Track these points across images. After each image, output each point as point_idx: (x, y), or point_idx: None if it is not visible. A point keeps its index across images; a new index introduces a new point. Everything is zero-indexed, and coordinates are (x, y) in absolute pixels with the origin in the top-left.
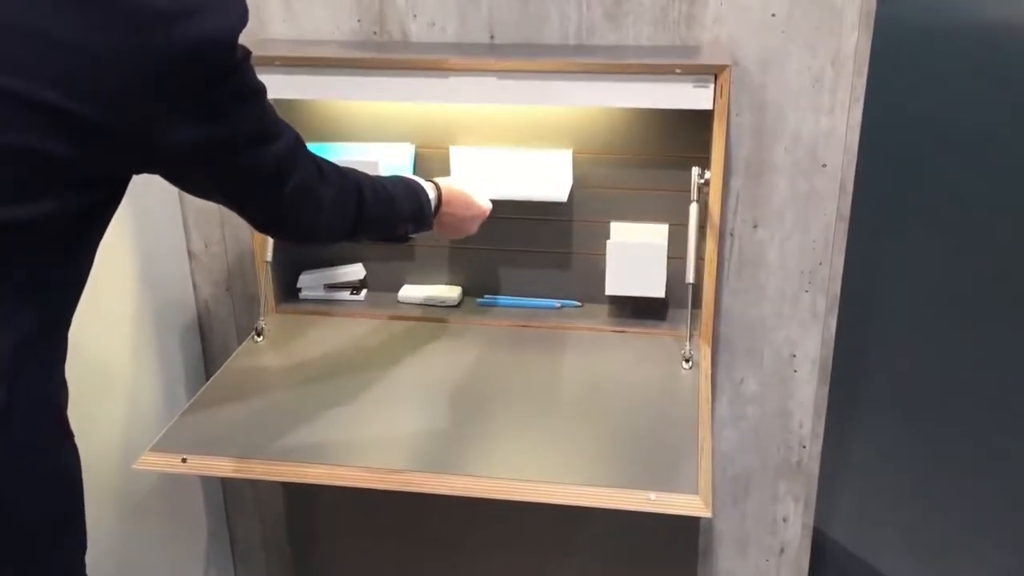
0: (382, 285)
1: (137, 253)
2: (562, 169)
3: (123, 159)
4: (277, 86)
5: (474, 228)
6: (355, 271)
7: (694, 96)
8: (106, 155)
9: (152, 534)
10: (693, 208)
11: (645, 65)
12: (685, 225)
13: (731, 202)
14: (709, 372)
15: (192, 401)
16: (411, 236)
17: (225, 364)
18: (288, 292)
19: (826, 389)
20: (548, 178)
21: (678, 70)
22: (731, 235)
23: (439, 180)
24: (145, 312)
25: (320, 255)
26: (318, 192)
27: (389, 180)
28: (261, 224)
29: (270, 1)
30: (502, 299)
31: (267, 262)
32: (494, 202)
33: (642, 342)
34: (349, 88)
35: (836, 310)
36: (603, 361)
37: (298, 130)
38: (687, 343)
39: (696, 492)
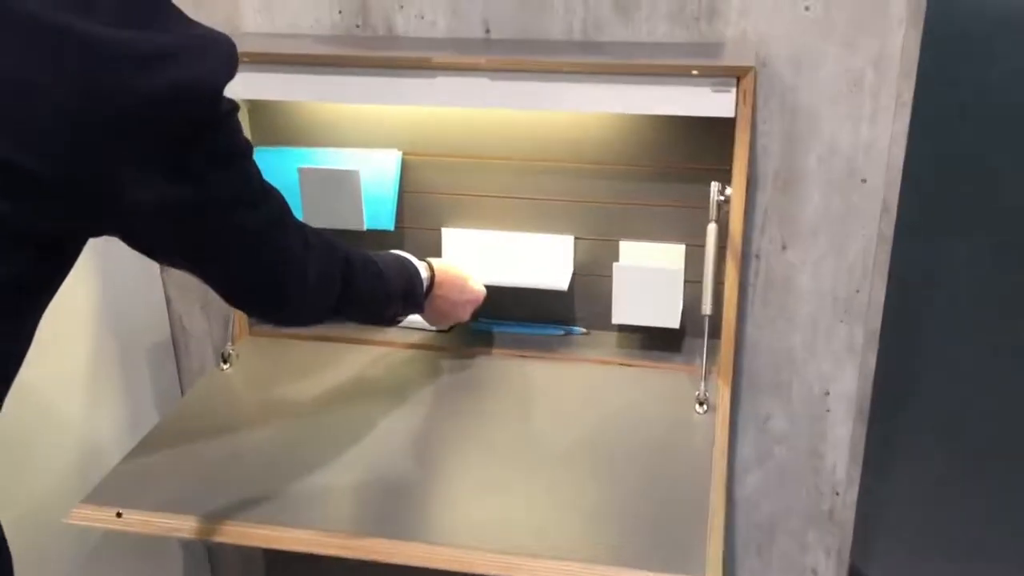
0: None
1: (101, 261)
2: (563, 254)
3: (75, 220)
4: (242, 86)
5: (467, 314)
6: None
7: (713, 102)
8: (56, 215)
9: None
10: (711, 229)
11: (657, 66)
12: (704, 246)
13: (757, 220)
14: (727, 417)
15: (137, 445)
16: (400, 319)
17: (182, 399)
18: None
19: (863, 430)
20: (548, 264)
21: (695, 72)
22: (757, 257)
23: (433, 260)
24: (109, 330)
25: None
26: (303, 265)
27: (382, 256)
28: (235, 299)
29: None
30: (499, 324)
31: None
32: (488, 287)
33: (653, 378)
34: (323, 88)
35: (876, 343)
36: (607, 401)
37: (271, 134)
38: (702, 383)
39: None
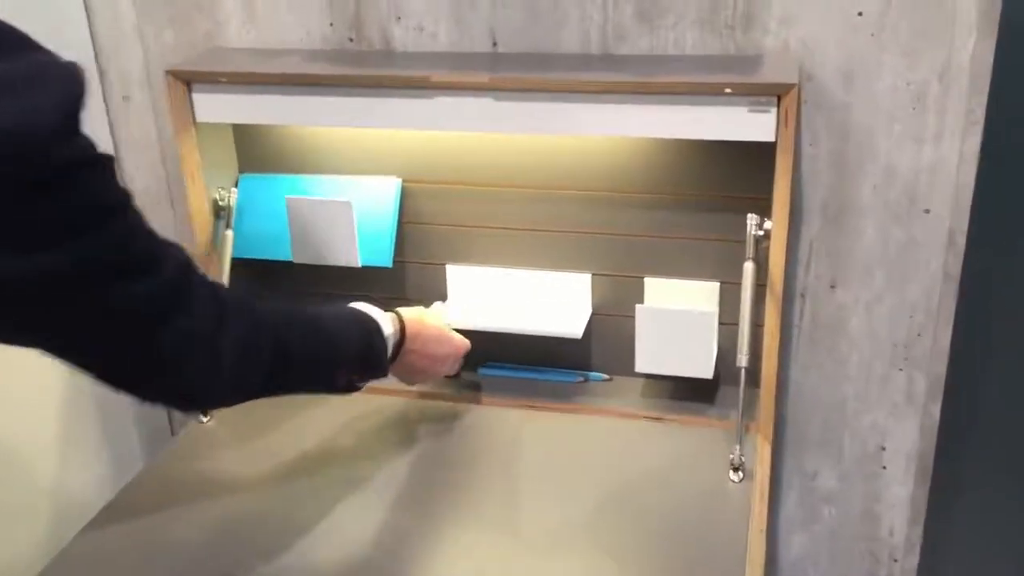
0: None
1: None
2: (579, 294)
3: None
4: (221, 108)
5: (449, 368)
6: None
7: (751, 124)
8: None
9: None
10: (748, 268)
11: (685, 83)
12: (740, 284)
13: (802, 255)
14: (767, 485)
15: (95, 516)
16: (360, 384)
17: (153, 461)
18: None
19: (925, 490)
20: (562, 305)
21: (728, 90)
22: (802, 296)
23: (404, 311)
24: None
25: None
26: (214, 343)
27: (331, 312)
28: (127, 390)
29: (226, 2)
30: (510, 369)
31: None
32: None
33: (683, 435)
34: (309, 111)
35: (940, 393)
36: (628, 464)
37: (259, 159)
38: (737, 447)
39: None
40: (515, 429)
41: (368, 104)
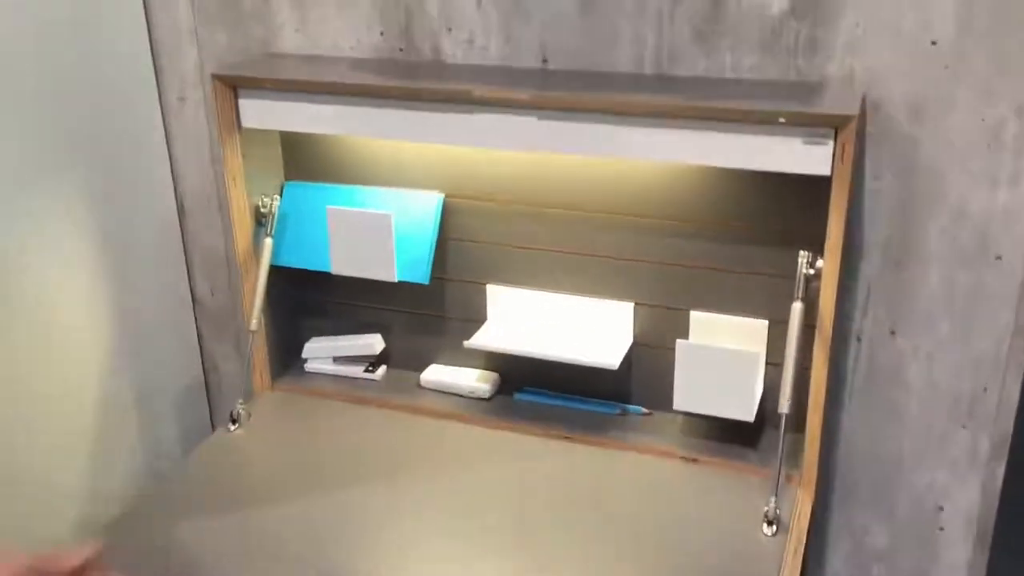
0: (406, 361)
1: (126, 294)
2: (620, 323)
3: None
4: (266, 114)
5: None
6: (370, 344)
7: (805, 156)
8: None
9: None
10: (796, 308)
11: (735, 110)
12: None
13: (860, 297)
14: (803, 541)
15: (109, 522)
16: None
17: (173, 468)
18: (291, 359)
19: (985, 557)
20: (602, 333)
21: (782, 119)
22: (858, 341)
23: None
24: (134, 369)
25: (332, 319)
26: None
27: None
28: None
29: (281, 8)
30: (546, 396)
31: (252, 331)
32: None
33: (721, 480)
34: (349, 121)
35: (1005, 453)
36: (659, 505)
37: (307, 167)
38: (773, 498)
39: None
40: (547, 460)
41: (408, 117)
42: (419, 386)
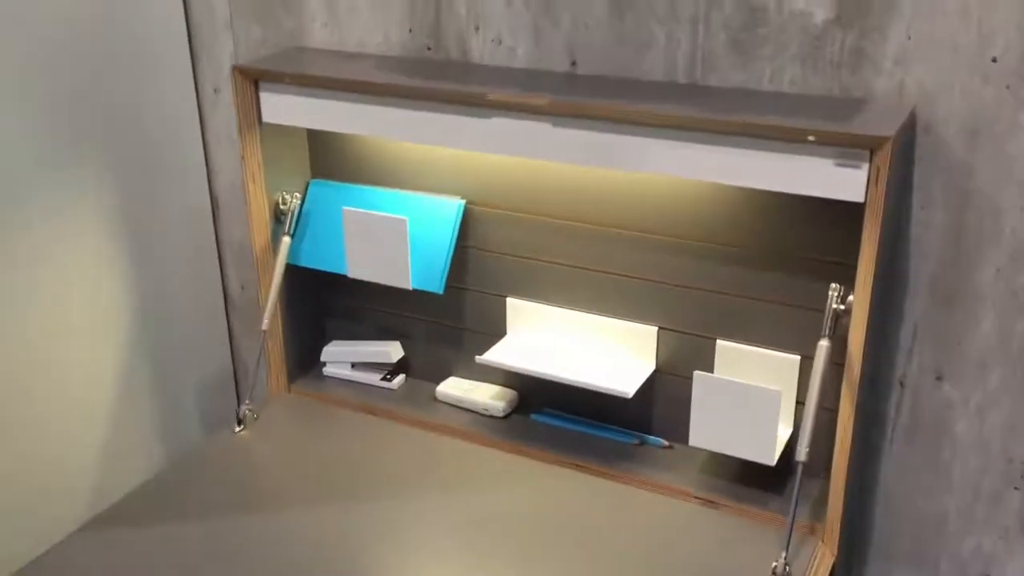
0: (425, 371)
1: (157, 285)
2: (642, 348)
3: None
4: (287, 109)
5: None
6: (387, 352)
7: (837, 180)
8: None
9: None
10: (822, 347)
11: (760, 125)
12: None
13: (904, 338)
14: None
15: (88, 521)
16: None
17: (167, 467)
18: (311, 362)
19: None
20: (623, 357)
21: (811, 138)
22: (901, 386)
23: None
24: (164, 359)
25: (354, 323)
26: None
27: None
28: None
29: (310, 2)
30: (563, 420)
31: (264, 331)
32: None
33: (737, 526)
34: (367, 119)
35: None
36: (668, 549)
37: (333, 166)
38: (784, 553)
39: None
40: (556, 490)
41: (422, 118)
42: (435, 399)
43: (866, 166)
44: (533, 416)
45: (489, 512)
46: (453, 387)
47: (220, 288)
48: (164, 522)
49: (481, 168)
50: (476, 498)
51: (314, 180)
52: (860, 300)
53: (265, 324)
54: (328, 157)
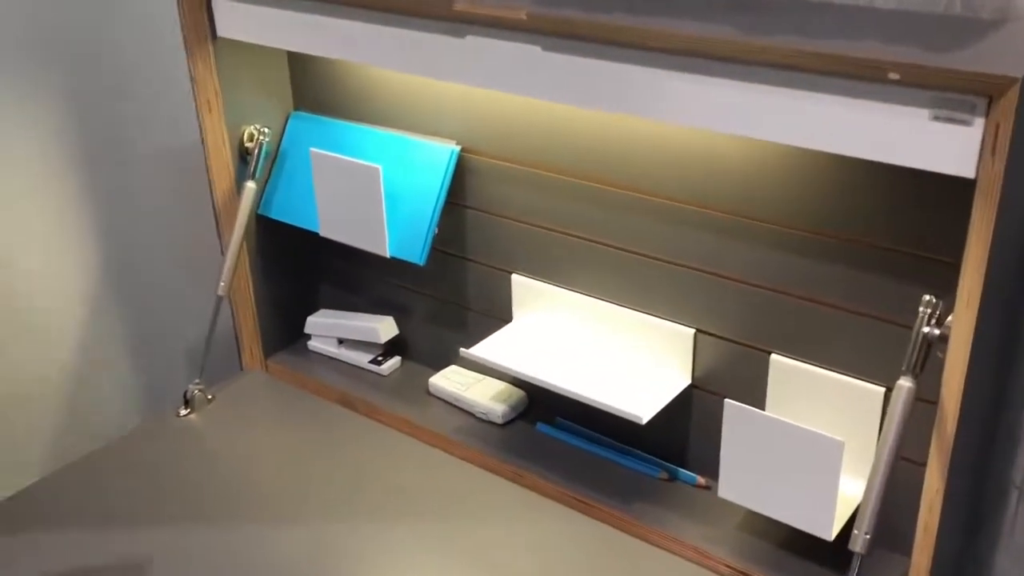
0: (425, 355)
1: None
2: (675, 354)
3: None
4: (242, 22)
5: None
6: (376, 329)
7: (933, 142)
8: None
9: None
10: (901, 388)
11: (809, 54)
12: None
13: None
14: None
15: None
16: None
17: (74, 461)
18: (295, 332)
19: None
20: (649, 364)
21: (894, 75)
22: None
23: None
24: (158, 319)
25: (348, 291)
26: None
27: None
28: None
29: None
30: (575, 436)
31: (220, 296)
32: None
33: None
34: (320, 36)
35: None
36: None
37: (317, 97)
38: None
39: None
40: (554, 536)
41: (386, 37)
42: (428, 392)
43: (980, 123)
44: (538, 426)
45: (460, 553)
46: (450, 380)
47: (217, 242)
48: (35, 528)
49: (486, 106)
50: (448, 532)
51: (296, 112)
52: (963, 321)
53: (222, 289)
54: (315, 86)
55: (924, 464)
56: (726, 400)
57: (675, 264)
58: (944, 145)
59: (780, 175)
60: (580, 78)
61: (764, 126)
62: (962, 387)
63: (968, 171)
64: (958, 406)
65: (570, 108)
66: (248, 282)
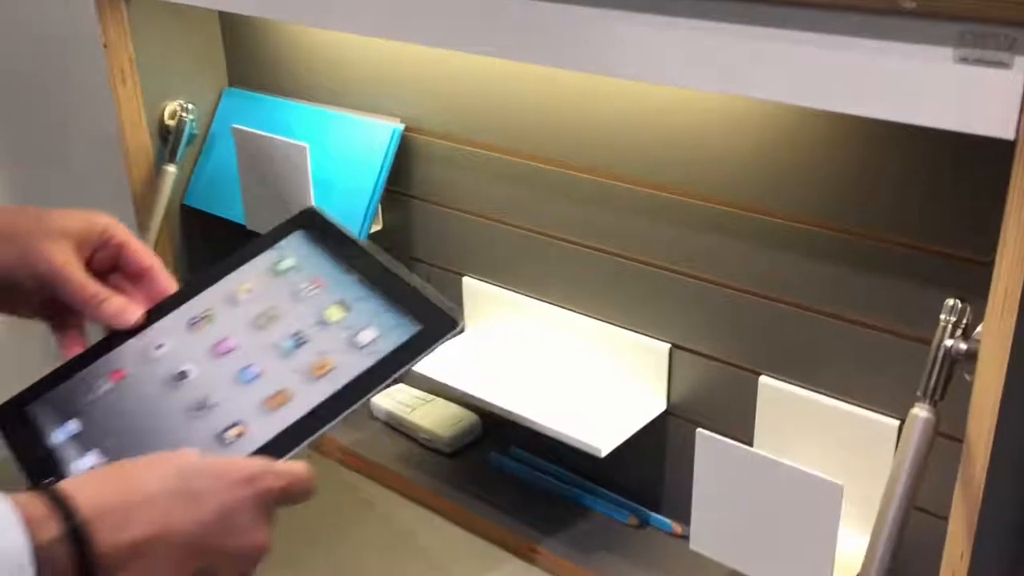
0: None
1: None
2: (646, 374)
3: None
4: None
5: None
6: None
7: (957, 89)
8: None
9: None
10: (916, 418)
11: None
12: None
13: None
14: None
15: None
16: None
17: None
18: None
19: None
20: (611, 392)
21: (908, 1)
22: None
23: (88, 482)
24: None
25: None
26: None
27: None
28: None
29: None
30: (532, 470)
31: None
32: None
33: None
34: None
35: None
36: None
37: (251, 72)
38: None
39: None
40: None
41: None
42: (370, 415)
43: (1022, 64)
44: (491, 455)
45: None
46: (394, 400)
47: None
48: None
49: (438, 80)
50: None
51: (230, 89)
52: (996, 332)
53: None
54: (252, 61)
55: (946, 518)
56: (698, 430)
57: (649, 264)
58: (974, 96)
59: (774, 154)
60: (540, 32)
61: (752, 80)
62: (995, 418)
63: (1005, 130)
64: (990, 442)
65: (531, 81)
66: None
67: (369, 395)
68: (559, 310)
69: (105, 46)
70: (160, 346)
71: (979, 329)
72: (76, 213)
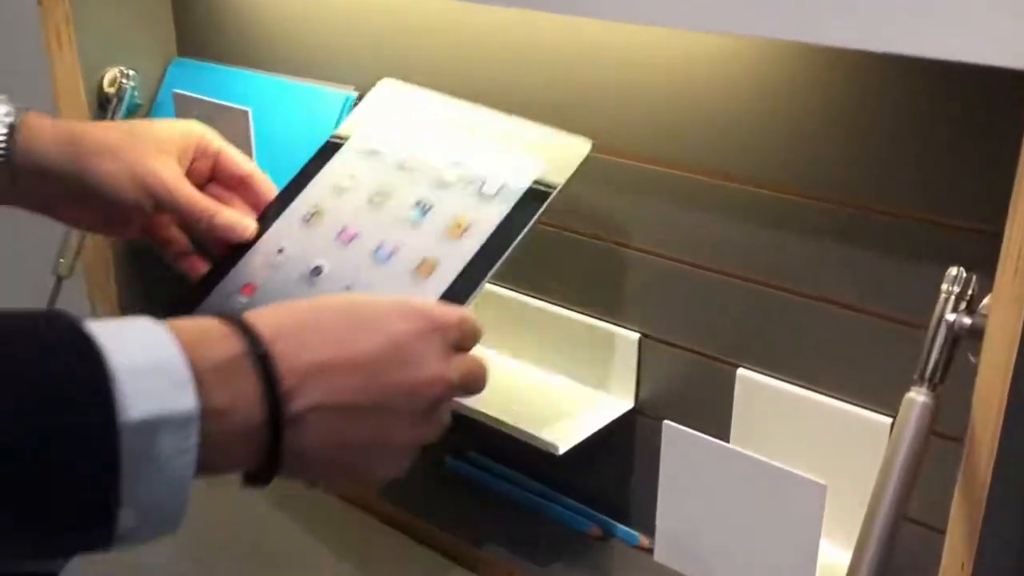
0: None
1: None
2: (614, 370)
3: None
4: None
5: (399, 462)
6: None
7: (970, 24)
8: None
9: None
10: (913, 403)
11: None
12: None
13: None
14: None
15: None
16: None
17: None
18: None
19: None
20: (575, 388)
21: None
22: None
23: (259, 318)
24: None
25: None
26: None
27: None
28: None
29: None
30: (492, 476)
31: (60, 276)
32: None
33: None
34: None
35: None
36: None
37: (203, 40)
38: None
39: None
40: None
41: None
42: None
43: None
44: (448, 462)
45: None
46: None
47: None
48: None
49: (398, 50)
50: None
51: (179, 59)
52: (1005, 304)
53: (61, 267)
54: (203, 28)
55: (943, 531)
56: (665, 422)
57: (614, 243)
58: (995, 20)
59: (751, 115)
60: None
61: (729, 19)
62: (1004, 403)
63: (1016, 59)
64: (996, 438)
65: (500, 40)
66: (109, 265)
67: (519, 239)
68: (514, 294)
69: (40, 3)
70: (281, 250)
71: (985, 302)
72: (171, 123)
